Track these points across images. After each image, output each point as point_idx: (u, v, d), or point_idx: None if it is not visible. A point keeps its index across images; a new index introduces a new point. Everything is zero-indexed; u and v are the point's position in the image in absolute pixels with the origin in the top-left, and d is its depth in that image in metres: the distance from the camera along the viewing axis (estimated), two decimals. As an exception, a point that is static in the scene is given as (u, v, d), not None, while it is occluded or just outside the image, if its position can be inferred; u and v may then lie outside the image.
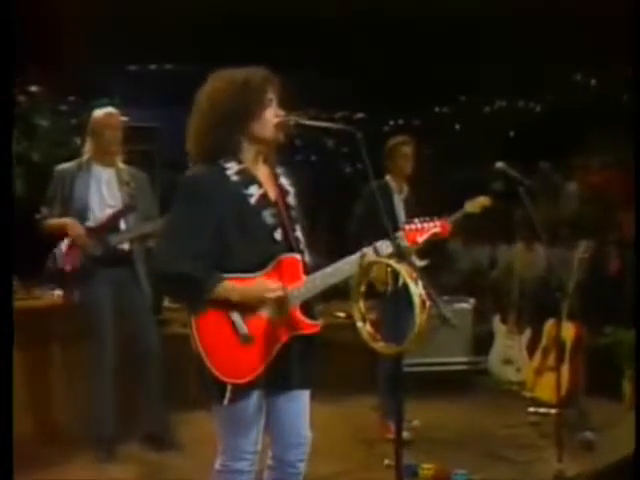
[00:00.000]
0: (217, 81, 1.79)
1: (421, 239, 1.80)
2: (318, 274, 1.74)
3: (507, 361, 4.19)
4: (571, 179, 5.01)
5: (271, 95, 1.78)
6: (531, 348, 4.00)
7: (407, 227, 1.79)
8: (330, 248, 1.90)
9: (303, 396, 1.83)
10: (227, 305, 1.71)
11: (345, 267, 1.74)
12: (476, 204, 3.46)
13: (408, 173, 3.50)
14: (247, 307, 1.71)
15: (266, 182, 1.81)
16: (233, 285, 1.70)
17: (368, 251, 1.74)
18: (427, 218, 1.82)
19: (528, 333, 4.17)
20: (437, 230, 1.81)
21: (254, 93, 1.75)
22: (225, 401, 1.70)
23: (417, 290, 1.60)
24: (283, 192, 1.83)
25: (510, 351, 4.19)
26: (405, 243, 1.77)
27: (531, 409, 3.64)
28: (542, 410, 3.56)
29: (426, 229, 1.80)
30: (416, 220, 1.81)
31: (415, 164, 3.50)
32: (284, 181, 1.85)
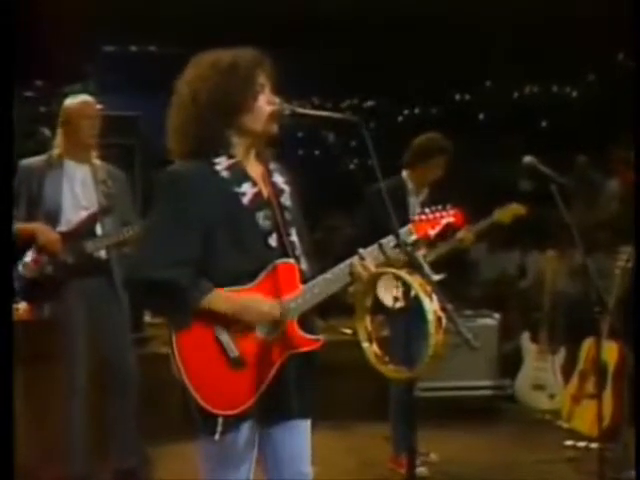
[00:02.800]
0: (198, 66, 1.76)
1: (433, 232, 1.79)
2: (316, 281, 1.73)
3: (538, 386, 4.17)
4: (612, 176, 4.99)
5: (263, 80, 1.76)
6: (566, 371, 3.97)
7: (417, 218, 1.79)
8: (335, 254, 1.89)
9: (303, 426, 1.81)
10: (214, 322, 1.70)
11: (346, 270, 1.73)
12: (507, 212, 3.41)
13: (432, 180, 3.43)
14: (237, 324, 1.70)
15: (259, 180, 1.80)
16: (224, 295, 1.68)
17: (368, 250, 1.73)
18: (439, 207, 1.82)
19: (562, 354, 4.15)
20: (450, 220, 1.81)
21: (242, 79, 1.72)
22: (217, 436, 1.68)
23: (432, 306, 1.59)
24: (277, 191, 1.82)
25: (542, 374, 4.18)
26: (414, 237, 1.76)
27: (568, 442, 3.61)
28: (581, 444, 3.54)
29: (438, 219, 1.79)
30: (427, 210, 1.81)
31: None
32: (278, 179, 1.85)
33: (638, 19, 3.74)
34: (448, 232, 1.85)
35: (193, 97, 1.73)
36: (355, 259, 1.75)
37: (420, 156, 3.40)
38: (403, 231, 1.76)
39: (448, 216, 1.82)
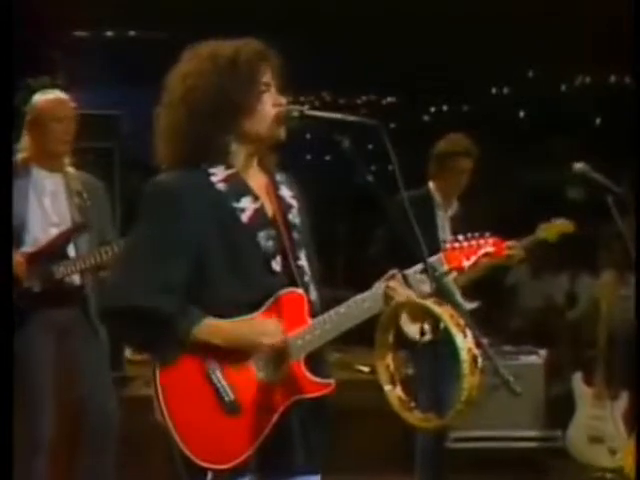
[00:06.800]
0: (193, 60, 1.79)
1: (468, 263, 1.79)
2: (328, 315, 1.75)
3: (596, 438, 4.14)
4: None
5: (267, 78, 1.79)
6: (630, 420, 3.95)
7: (449, 246, 1.79)
8: (348, 279, 1.92)
9: (311, 483, 1.83)
10: (205, 357, 1.72)
11: (364, 305, 1.74)
12: (553, 229, 3.43)
13: (461, 190, 3.51)
14: (233, 361, 1.73)
15: (262, 193, 1.83)
16: (218, 325, 1.71)
17: (394, 281, 1.74)
18: (476, 234, 1.82)
19: (624, 399, 4.11)
20: (490, 250, 1.81)
21: (244, 77, 1.75)
22: None
23: (465, 342, 1.61)
24: (284, 207, 1.85)
25: (599, 424, 4.14)
26: (445, 268, 1.77)
27: (633, 507, 3.60)
28: (649, 509, 3.52)
29: (475, 249, 1.79)
30: (460, 237, 1.80)
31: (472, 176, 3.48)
32: (285, 192, 1.88)
33: None
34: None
35: (186, 95, 1.76)
36: (382, 287, 1.75)
37: (442, 162, 3.47)
38: (433, 260, 1.76)
39: (486, 245, 1.81)
